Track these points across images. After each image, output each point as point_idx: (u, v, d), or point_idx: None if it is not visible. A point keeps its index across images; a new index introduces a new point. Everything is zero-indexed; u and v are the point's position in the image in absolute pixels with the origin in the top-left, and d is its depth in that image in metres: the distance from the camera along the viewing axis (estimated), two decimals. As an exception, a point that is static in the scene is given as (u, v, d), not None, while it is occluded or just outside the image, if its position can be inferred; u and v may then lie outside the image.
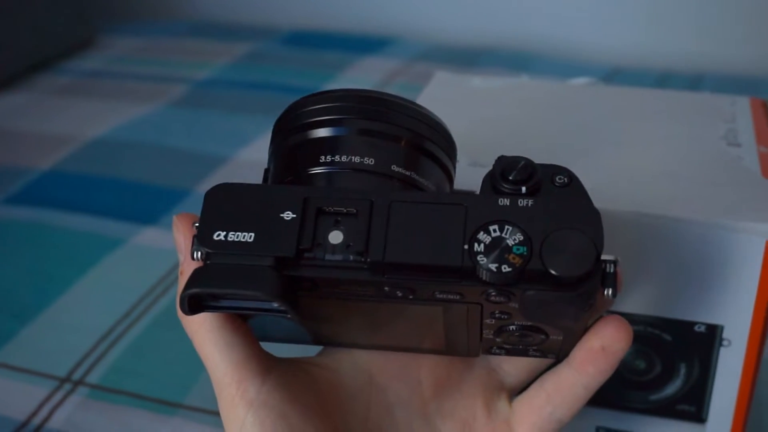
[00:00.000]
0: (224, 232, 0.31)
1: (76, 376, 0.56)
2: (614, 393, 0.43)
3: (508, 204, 0.31)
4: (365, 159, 0.34)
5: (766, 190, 0.41)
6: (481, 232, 0.30)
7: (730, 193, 0.41)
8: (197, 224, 0.32)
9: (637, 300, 0.41)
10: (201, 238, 0.31)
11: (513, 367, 0.39)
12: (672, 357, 0.42)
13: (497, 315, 0.33)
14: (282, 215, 0.31)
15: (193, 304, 0.32)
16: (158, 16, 1.35)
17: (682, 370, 0.42)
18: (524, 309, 0.32)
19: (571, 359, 0.36)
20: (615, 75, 1.06)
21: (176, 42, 1.19)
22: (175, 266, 0.66)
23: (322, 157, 0.34)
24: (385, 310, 0.33)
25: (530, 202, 0.31)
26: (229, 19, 1.30)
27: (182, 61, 1.12)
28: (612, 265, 0.31)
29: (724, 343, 0.41)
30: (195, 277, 0.31)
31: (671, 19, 1.14)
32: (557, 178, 0.33)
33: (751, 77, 1.06)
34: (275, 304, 0.31)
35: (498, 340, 0.35)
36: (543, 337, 0.34)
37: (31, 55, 1.08)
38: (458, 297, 0.31)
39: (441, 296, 0.31)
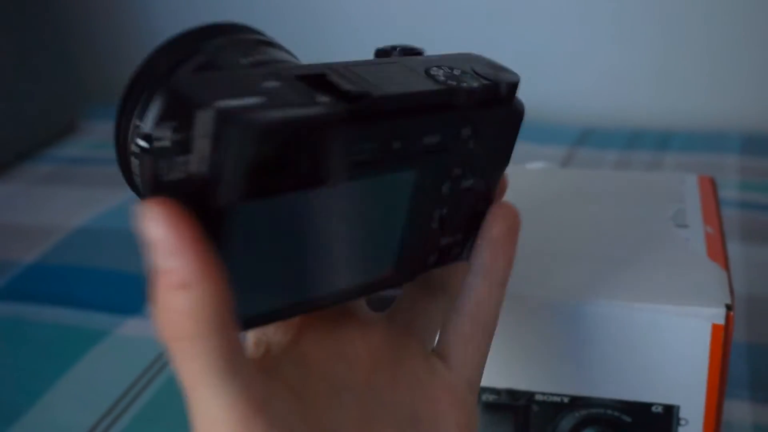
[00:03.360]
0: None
1: (61, 475, 0.57)
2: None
3: (425, 57, 0.33)
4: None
5: (710, 272, 0.42)
6: (434, 67, 0.32)
7: (676, 276, 0.42)
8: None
9: (594, 383, 0.42)
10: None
11: (424, 320, 0.38)
12: (633, 437, 0.44)
13: (455, 172, 0.34)
14: (264, 84, 0.28)
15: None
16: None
17: (645, 449, 0.44)
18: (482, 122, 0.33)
19: (474, 263, 0.37)
20: (587, 137, 1.08)
21: (156, 124, 1.21)
22: (158, 357, 0.67)
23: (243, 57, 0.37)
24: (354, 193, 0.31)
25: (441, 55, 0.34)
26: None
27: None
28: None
29: (681, 422, 0.42)
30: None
31: (638, 79, 1.17)
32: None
33: (719, 132, 1.09)
34: None
35: (442, 224, 0.35)
36: (481, 189, 0.36)
37: (14, 144, 1.10)
38: (439, 138, 0.32)
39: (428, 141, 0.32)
